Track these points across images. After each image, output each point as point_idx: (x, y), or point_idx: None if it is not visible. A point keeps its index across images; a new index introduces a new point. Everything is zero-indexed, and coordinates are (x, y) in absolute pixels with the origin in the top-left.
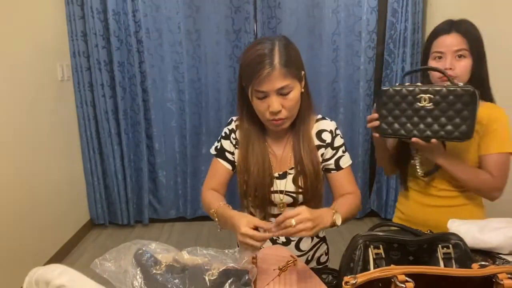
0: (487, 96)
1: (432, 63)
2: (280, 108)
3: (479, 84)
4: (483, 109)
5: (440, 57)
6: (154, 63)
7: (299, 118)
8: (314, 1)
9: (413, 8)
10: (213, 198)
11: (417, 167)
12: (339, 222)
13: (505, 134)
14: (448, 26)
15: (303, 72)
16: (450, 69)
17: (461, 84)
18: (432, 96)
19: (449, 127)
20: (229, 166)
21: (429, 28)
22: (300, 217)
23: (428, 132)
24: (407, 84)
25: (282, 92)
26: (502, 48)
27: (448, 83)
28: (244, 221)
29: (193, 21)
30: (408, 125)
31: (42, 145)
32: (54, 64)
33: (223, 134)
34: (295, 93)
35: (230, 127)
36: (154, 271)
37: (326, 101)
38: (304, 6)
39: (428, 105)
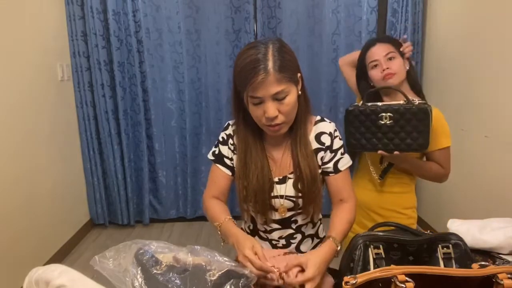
0: (420, 91)
1: (371, 72)
2: (276, 113)
3: (415, 78)
4: None
5: (376, 65)
6: (154, 63)
7: (297, 121)
8: (314, 1)
9: (413, 8)
10: (218, 210)
11: (373, 172)
12: (339, 247)
13: (443, 130)
14: (372, 41)
15: (299, 75)
16: (388, 68)
17: (416, 102)
18: (391, 114)
19: (408, 140)
20: (228, 172)
21: (429, 28)
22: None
23: (391, 146)
24: (369, 104)
25: (277, 97)
26: (501, 47)
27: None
28: (249, 244)
29: (193, 21)
30: (374, 140)
31: (42, 145)
32: (54, 64)
33: (221, 139)
34: (291, 97)
35: (227, 132)
36: (155, 271)
37: (326, 101)
38: (304, 6)
39: (389, 122)
